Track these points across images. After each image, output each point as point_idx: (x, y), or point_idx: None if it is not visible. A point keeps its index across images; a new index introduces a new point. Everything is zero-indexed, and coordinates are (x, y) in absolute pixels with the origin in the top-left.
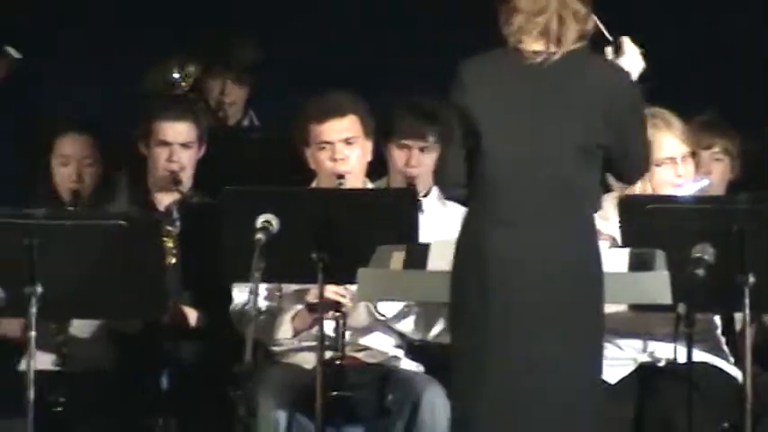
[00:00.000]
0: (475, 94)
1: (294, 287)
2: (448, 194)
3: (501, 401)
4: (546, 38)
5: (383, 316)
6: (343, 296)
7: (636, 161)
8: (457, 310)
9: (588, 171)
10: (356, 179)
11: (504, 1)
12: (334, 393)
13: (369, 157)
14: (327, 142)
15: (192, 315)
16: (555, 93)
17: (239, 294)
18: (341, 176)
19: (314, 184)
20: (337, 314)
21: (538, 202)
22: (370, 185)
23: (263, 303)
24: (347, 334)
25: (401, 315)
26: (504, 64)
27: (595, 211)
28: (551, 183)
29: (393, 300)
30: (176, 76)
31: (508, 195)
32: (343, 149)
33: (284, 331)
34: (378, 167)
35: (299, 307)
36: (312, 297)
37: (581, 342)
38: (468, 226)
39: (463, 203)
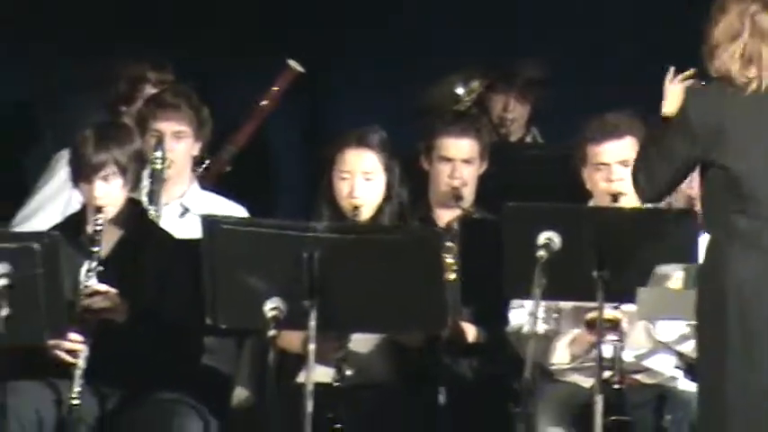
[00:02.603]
0: (706, 123)
1: (571, 306)
2: (647, 200)
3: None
4: (749, 63)
5: (661, 336)
6: (620, 317)
7: None
8: (700, 336)
9: None
10: (631, 200)
11: (706, 41)
12: (612, 417)
13: None
14: (604, 163)
15: (470, 331)
16: None
17: (517, 312)
18: (615, 198)
19: (589, 205)
20: (615, 336)
21: None
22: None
23: (541, 323)
24: (626, 355)
25: (682, 336)
26: (724, 93)
27: None
28: None
29: (672, 319)
30: (460, 91)
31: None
32: (619, 171)
33: (561, 356)
34: None
35: (576, 331)
36: (591, 316)
37: None
38: (719, 253)
39: None
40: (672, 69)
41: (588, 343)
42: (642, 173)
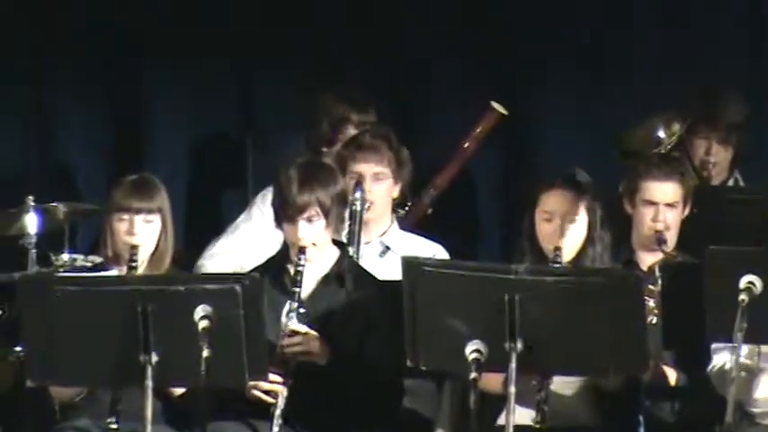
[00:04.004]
0: None
1: None
2: None
3: None
4: None
5: None
6: None
7: None
8: None
9: None
10: None
11: None
12: None
13: None
14: None
15: (671, 375)
16: None
17: (720, 355)
18: None
19: None
20: None
21: None
22: None
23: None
24: None
25: None
26: None
27: None
28: None
29: None
30: (661, 134)
31: None
32: None
33: (763, 391)
34: None
35: None
36: None
37: None
38: None
39: None
40: None
41: None
42: None
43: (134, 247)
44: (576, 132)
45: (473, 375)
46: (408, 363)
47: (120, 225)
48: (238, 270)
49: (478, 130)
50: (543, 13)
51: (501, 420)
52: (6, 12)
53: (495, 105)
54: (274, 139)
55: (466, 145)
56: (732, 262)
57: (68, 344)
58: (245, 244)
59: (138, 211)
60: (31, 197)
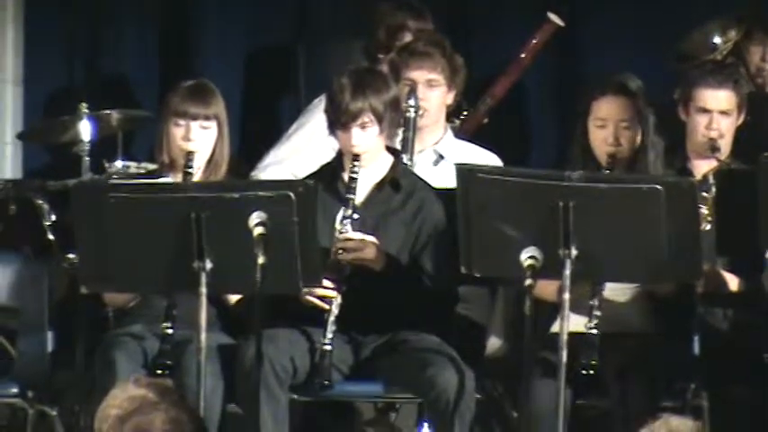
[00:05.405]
0: None
1: None
2: None
3: None
4: None
5: None
6: None
7: None
8: None
9: None
10: None
11: None
12: None
13: None
14: None
15: (732, 281)
16: None
17: None
18: None
19: None
20: None
21: None
22: None
23: None
24: None
25: None
26: None
27: None
28: None
29: None
30: (717, 40)
31: None
32: None
33: None
34: None
35: None
36: None
37: None
38: None
39: None
40: None
41: None
42: None
43: (190, 153)
44: (633, 41)
45: (528, 282)
46: (462, 269)
47: (177, 130)
48: (292, 178)
49: (535, 41)
50: None
51: (554, 327)
52: None
53: (552, 16)
54: (328, 48)
55: (522, 55)
56: None
57: (122, 250)
58: (298, 152)
59: (195, 117)
60: (84, 104)
